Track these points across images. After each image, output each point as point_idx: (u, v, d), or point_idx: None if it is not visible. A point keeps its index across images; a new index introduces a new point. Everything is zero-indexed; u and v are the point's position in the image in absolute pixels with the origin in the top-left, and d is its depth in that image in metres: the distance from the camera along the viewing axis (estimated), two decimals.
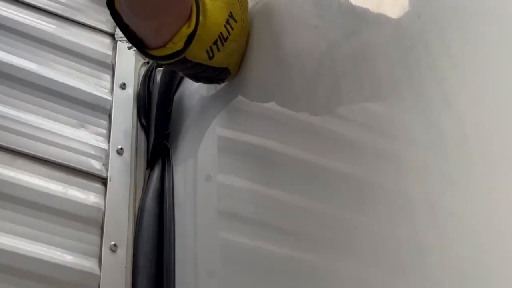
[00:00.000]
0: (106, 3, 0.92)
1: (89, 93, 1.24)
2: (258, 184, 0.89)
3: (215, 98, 1.10)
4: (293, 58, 0.88)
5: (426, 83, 0.62)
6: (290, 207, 0.81)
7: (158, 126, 1.21)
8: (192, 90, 1.20)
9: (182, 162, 1.14)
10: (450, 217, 0.55)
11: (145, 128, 1.23)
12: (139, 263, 1.04)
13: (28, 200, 1.05)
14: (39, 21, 1.29)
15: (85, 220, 1.07)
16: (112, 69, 1.30)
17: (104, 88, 1.27)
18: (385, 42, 0.70)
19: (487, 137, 0.53)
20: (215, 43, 0.94)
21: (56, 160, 1.12)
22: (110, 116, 1.23)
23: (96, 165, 1.15)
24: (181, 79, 1.25)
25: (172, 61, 0.94)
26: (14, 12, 1.27)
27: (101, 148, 1.17)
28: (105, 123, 1.22)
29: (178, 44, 0.92)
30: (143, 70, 1.32)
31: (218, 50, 0.95)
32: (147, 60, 1.32)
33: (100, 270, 1.02)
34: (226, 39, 0.96)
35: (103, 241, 1.05)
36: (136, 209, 1.12)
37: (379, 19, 0.72)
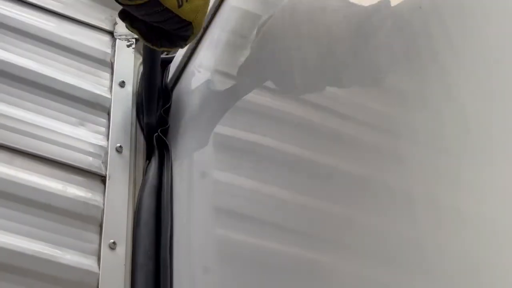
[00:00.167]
0: None
1: (88, 91, 1.23)
2: (254, 181, 0.89)
3: (212, 95, 1.10)
4: (293, 53, 0.88)
5: (428, 75, 0.61)
6: (286, 204, 0.81)
7: (150, 115, 1.22)
8: (191, 87, 1.19)
9: (179, 159, 1.14)
10: (452, 214, 0.54)
11: (143, 126, 1.23)
12: (138, 261, 1.03)
13: (27, 198, 1.04)
14: (39, 19, 1.29)
15: (84, 218, 1.07)
16: (111, 67, 1.30)
17: (103, 86, 1.27)
18: (386, 34, 0.69)
19: (490, 132, 0.53)
20: None
21: (55, 158, 1.11)
22: (109, 114, 1.23)
23: (95, 163, 1.14)
24: (180, 74, 1.25)
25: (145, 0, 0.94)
26: (13, 11, 1.27)
27: (100, 146, 1.17)
28: (104, 121, 1.22)
29: None
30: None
31: (187, 0, 0.96)
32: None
33: (99, 268, 1.02)
34: None
35: (102, 239, 1.05)
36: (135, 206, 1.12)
37: (381, 11, 0.71)
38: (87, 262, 1.03)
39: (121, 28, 1.34)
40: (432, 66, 0.61)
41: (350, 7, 0.78)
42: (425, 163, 0.59)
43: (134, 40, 1.34)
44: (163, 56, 1.30)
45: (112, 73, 1.29)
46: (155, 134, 1.19)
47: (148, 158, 1.20)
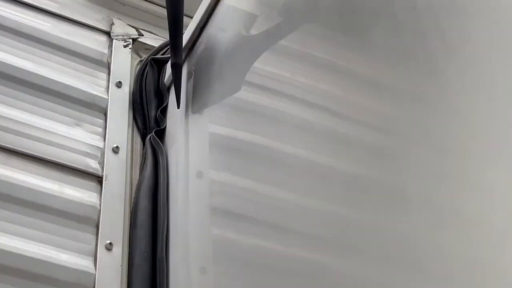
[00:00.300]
0: None
1: (85, 92, 1.23)
2: (250, 181, 0.89)
3: (208, 94, 1.09)
4: (290, 51, 0.88)
5: (422, 75, 0.61)
6: (282, 204, 0.81)
7: (146, 119, 1.22)
8: (187, 86, 1.19)
9: (175, 159, 1.13)
10: (450, 213, 0.54)
11: (139, 126, 1.23)
12: (134, 262, 1.03)
13: (23, 199, 1.04)
14: (35, 20, 1.29)
15: (81, 218, 1.07)
16: (108, 67, 1.30)
17: (100, 86, 1.27)
18: (381, 34, 0.69)
19: (485, 131, 0.53)
20: None
21: (52, 158, 1.11)
22: (105, 114, 1.22)
23: (91, 164, 1.14)
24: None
25: None
26: (9, 11, 1.26)
27: (97, 147, 1.17)
28: (100, 121, 1.22)
29: None
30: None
31: None
32: (142, 58, 1.32)
33: (96, 268, 1.02)
34: None
35: (99, 240, 1.05)
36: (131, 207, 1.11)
37: (375, 11, 0.71)
38: (83, 263, 1.02)
39: (118, 28, 1.34)
40: (427, 65, 0.61)
41: (344, 7, 0.78)
42: (419, 162, 0.59)
43: (130, 40, 1.34)
44: (159, 56, 1.30)
45: (109, 74, 1.29)
46: (149, 135, 1.19)
47: (144, 159, 1.19)
